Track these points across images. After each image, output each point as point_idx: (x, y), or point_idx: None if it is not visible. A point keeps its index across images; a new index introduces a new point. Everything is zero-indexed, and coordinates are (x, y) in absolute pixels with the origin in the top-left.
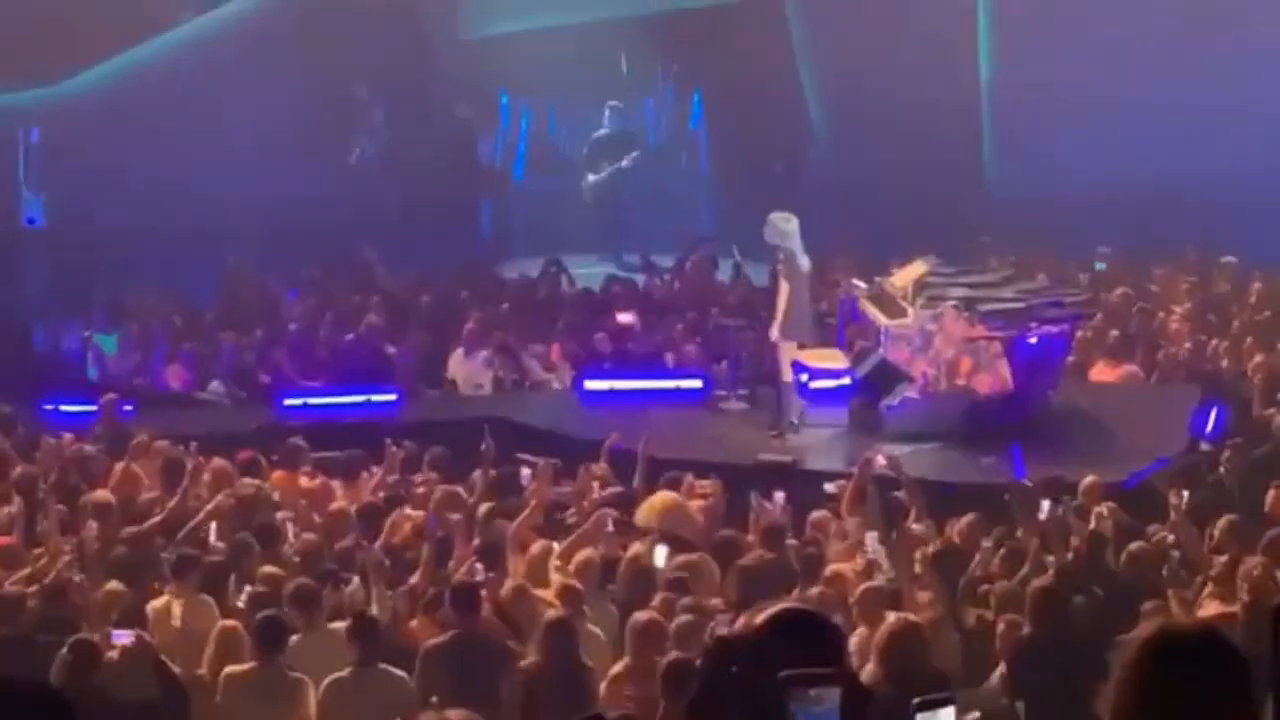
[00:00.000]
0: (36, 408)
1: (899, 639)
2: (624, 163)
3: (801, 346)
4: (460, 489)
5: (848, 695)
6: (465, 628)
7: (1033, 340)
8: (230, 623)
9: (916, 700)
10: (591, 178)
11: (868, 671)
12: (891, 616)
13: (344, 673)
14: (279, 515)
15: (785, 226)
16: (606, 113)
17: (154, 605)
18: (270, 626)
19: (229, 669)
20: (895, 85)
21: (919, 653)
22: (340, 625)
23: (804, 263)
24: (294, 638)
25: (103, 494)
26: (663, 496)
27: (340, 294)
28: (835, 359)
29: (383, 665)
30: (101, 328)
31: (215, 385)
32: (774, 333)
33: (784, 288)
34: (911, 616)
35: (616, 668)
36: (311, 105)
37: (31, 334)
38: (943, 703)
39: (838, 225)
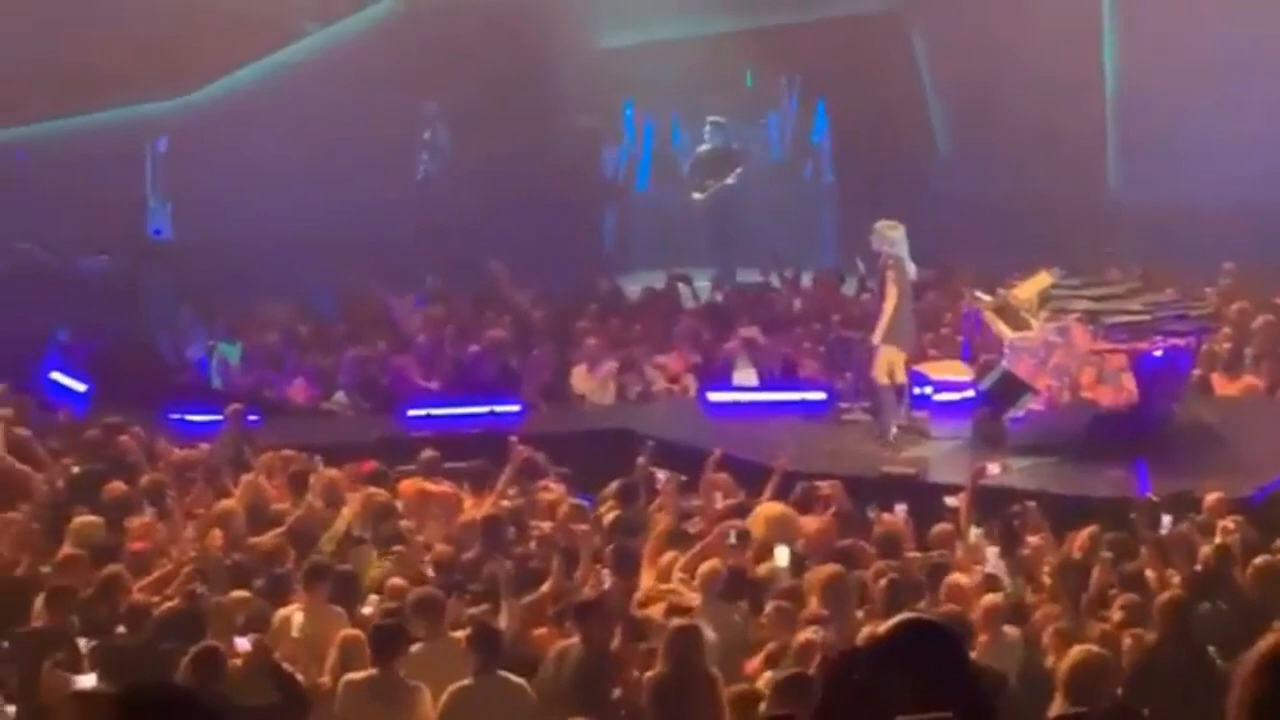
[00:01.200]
0: (162, 417)
1: (1081, 669)
2: (729, 179)
3: (917, 359)
4: (584, 502)
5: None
6: (587, 639)
7: (1158, 353)
8: (353, 631)
9: (1052, 718)
10: (696, 196)
11: (1055, 704)
12: (1076, 649)
13: (466, 681)
14: (403, 524)
15: (891, 234)
16: (707, 128)
17: (279, 614)
18: (385, 634)
19: (348, 676)
20: (1019, 94)
21: (1105, 683)
22: (463, 634)
23: (911, 269)
24: (416, 646)
25: (228, 503)
26: (769, 507)
27: (463, 306)
28: (958, 371)
29: (502, 673)
30: (226, 337)
31: (339, 396)
32: (876, 337)
33: (890, 293)
34: (1094, 647)
35: None
36: (431, 116)
37: (157, 343)
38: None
39: (962, 236)
